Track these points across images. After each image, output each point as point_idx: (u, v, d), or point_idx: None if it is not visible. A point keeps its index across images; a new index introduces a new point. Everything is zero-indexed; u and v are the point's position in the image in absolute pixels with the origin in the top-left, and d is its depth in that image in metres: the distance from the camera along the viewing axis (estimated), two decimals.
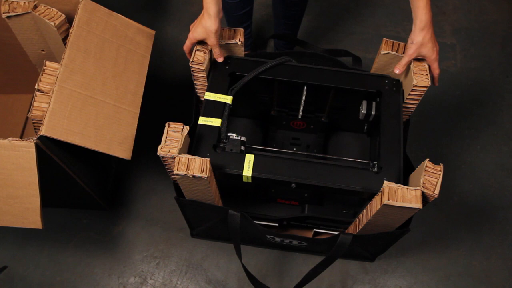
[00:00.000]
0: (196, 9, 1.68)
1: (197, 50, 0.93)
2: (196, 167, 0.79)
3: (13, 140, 0.81)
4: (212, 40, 0.90)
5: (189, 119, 0.95)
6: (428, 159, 0.80)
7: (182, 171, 0.79)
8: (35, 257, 1.23)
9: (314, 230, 1.12)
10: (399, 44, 0.93)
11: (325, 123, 1.14)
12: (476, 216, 1.32)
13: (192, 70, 0.93)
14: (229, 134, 0.90)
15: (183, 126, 0.83)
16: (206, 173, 0.79)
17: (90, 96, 0.91)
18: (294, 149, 1.17)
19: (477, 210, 1.33)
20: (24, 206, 0.85)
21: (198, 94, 1.02)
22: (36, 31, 1.01)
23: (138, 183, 1.35)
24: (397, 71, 0.92)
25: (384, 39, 0.93)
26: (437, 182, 0.78)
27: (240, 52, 0.98)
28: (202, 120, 0.90)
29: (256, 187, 1.10)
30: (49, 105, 0.85)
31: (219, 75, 0.96)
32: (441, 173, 0.79)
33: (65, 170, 0.97)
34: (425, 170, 0.79)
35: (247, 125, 1.22)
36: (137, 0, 1.71)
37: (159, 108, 1.44)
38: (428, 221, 1.31)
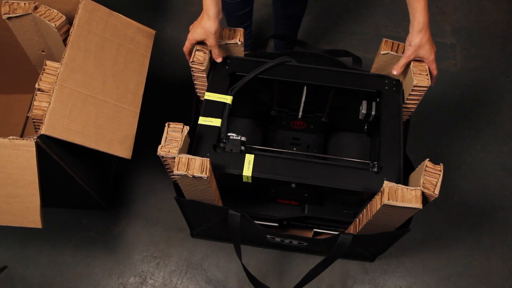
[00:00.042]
0: (196, 9, 1.68)
1: (197, 50, 0.93)
2: (196, 167, 0.79)
3: (13, 139, 0.81)
4: (211, 41, 0.90)
5: (189, 119, 0.95)
6: (428, 159, 0.80)
7: (182, 171, 0.79)
8: (35, 257, 1.23)
9: (314, 230, 1.12)
10: (398, 44, 0.93)
11: (325, 123, 1.14)
12: (476, 216, 1.32)
13: (192, 70, 0.93)
14: (229, 134, 0.90)
15: (183, 126, 0.83)
16: (206, 173, 0.79)
17: (90, 95, 0.91)
18: (294, 149, 1.17)
19: (477, 210, 1.33)
20: (24, 205, 0.85)
21: (198, 94, 1.02)
22: (37, 32, 1.01)
23: (138, 183, 1.35)
24: (395, 72, 0.92)
25: (384, 39, 0.93)
26: (437, 182, 0.78)
27: (240, 52, 0.98)
28: (202, 120, 0.90)
29: (256, 187, 1.10)
30: (50, 104, 0.85)
31: (219, 75, 0.96)
32: (441, 173, 0.79)
33: (65, 169, 0.97)
34: (425, 170, 0.79)
35: (247, 125, 1.22)
36: (137, 0, 1.71)
37: (159, 108, 1.44)
38: (428, 221, 1.31)
